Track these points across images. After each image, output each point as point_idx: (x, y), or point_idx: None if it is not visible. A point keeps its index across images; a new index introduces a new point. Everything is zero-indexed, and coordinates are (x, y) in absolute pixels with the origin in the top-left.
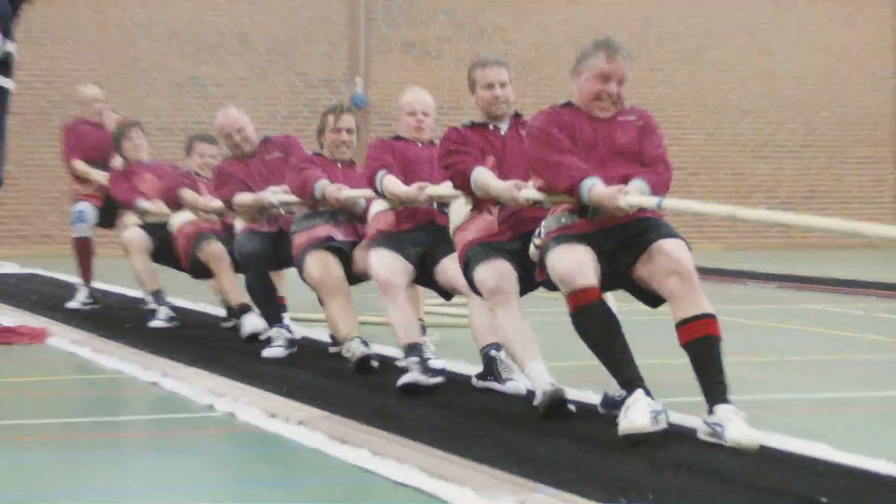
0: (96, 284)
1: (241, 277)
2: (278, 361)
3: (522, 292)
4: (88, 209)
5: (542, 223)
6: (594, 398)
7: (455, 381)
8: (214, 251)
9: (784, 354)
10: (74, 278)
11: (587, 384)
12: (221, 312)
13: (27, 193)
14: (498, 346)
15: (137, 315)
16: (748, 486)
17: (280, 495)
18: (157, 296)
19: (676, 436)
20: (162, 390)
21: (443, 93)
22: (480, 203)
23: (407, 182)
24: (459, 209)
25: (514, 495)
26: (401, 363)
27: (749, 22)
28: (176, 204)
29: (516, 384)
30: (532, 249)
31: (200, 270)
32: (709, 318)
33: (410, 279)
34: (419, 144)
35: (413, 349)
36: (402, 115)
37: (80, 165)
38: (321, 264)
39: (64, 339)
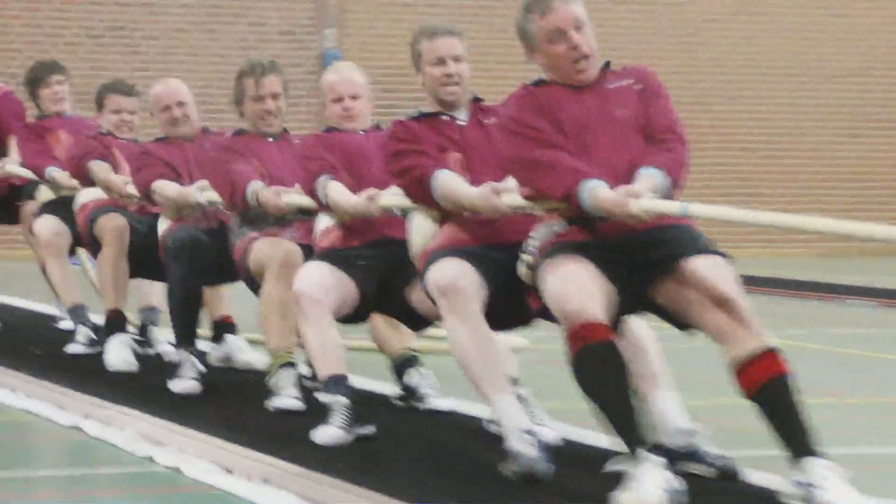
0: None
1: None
2: (232, 398)
3: (509, 326)
4: None
5: (531, 234)
6: (585, 436)
7: (459, 423)
8: (113, 224)
9: (890, 393)
10: None
11: (580, 415)
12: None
13: None
14: (514, 381)
15: (50, 337)
16: None
17: None
18: (76, 312)
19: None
20: (84, 437)
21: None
22: (448, 217)
23: (356, 184)
24: (420, 226)
25: None
26: (323, 399)
27: None
28: (86, 177)
29: (549, 431)
30: (522, 269)
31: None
32: (770, 353)
33: (352, 307)
34: (360, 132)
35: (338, 384)
36: (328, 104)
37: None
38: (272, 241)
39: None
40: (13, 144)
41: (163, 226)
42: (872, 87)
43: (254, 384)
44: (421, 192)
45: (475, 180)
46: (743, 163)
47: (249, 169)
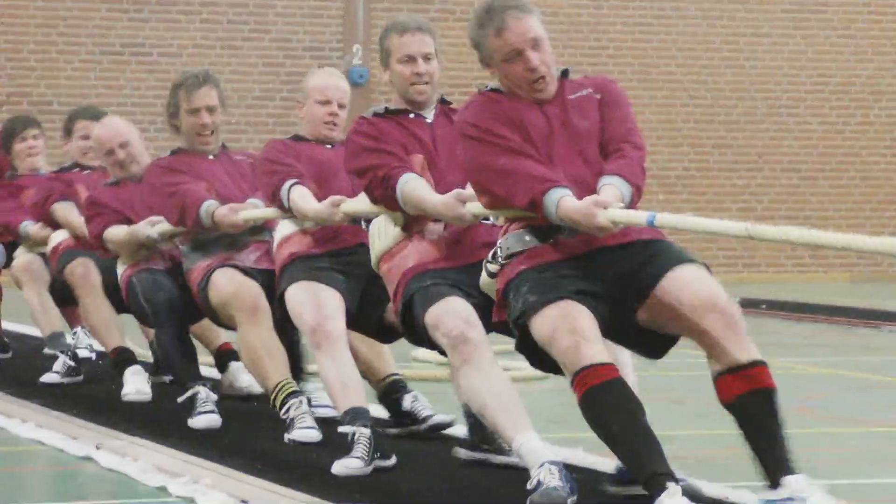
0: (6, 325)
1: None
2: (246, 427)
3: None
4: None
5: (499, 242)
6: (585, 459)
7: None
8: (79, 272)
9: None
10: None
11: (574, 440)
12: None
13: None
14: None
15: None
16: None
17: None
18: (55, 340)
19: None
20: (97, 468)
21: (469, 63)
22: (413, 222)
23: (324, 195)
24: (382, 231)
25: None
26: (343, 430)
27: None
28: (52, 221)
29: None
30: (485, 278)
31: (68, 297)
32: (757, 366)
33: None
34: (329, 146)
35: (358, 416)
36: (310, 104)
37: None
38: (230, 276)
39: None
40: None
41: (120, 269)
42: None
43: (267, 412)
44: (384, 194)
45: (440, 180)
46: (787, 183)
47: (199, 188)
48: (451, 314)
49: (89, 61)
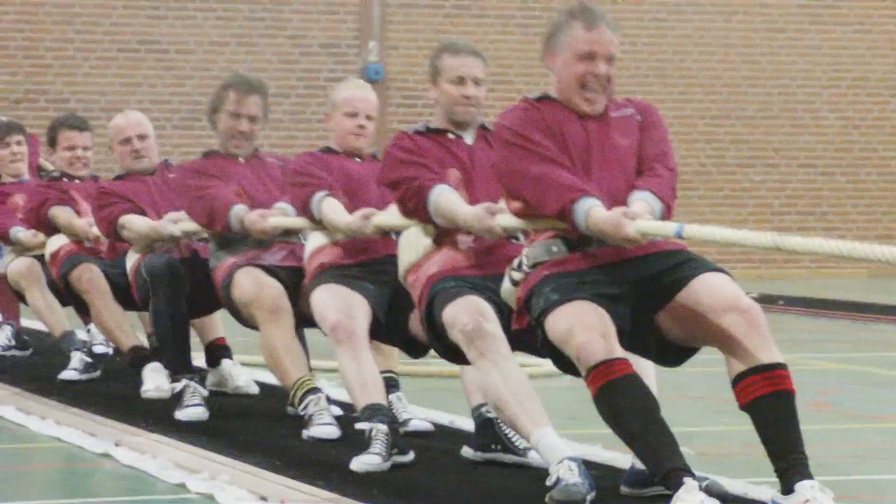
0: (25, 323)
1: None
2: (264, 423)
3: None
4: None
5: (524, 252)
6: (602, 456)
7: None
8: (87, 277)
9: None
10: None
11: (592, 436)
12: None
13: None
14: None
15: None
16: None
17: None
18: (67, 339)
19: None
20: (116, 465)
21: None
22: (443, 235)
23: (354, 207)
24: (412, 242)
25: None
26: (362, 427)
27: None
28: (48, 227)
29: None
30: (507, 285)
31: (65, 300)
32: (783, 371)
33: (369, 323)
34: (358, 160)
35: (376, 412)
36: (338, 116)
37: None
38: (253, 277)
39: None
40: None
41: (130, 261)
42: None
43: (285, 409)
44: (417, 205)
45: (474, 199)
46: (803, 178)
47: (229, 192)
48: (468, 309)
49: (106, 58)
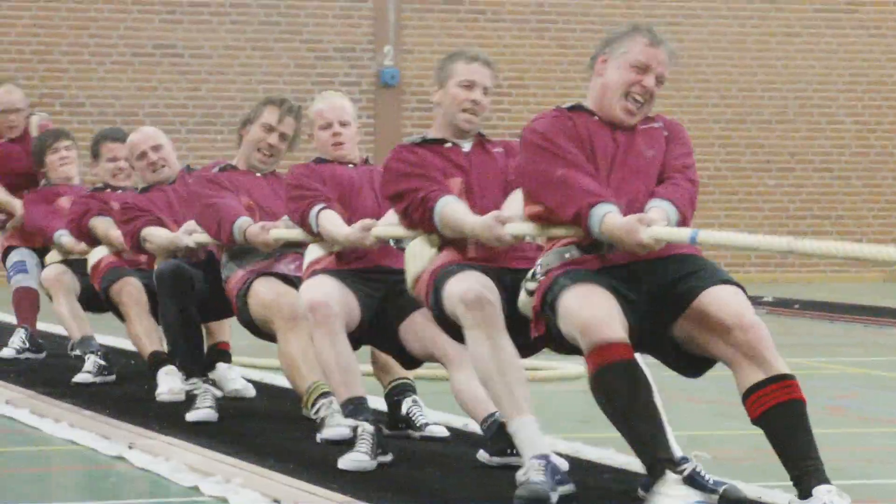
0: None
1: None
2: (278, 427)
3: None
4: (27, 257)
5: (539, 261)
6: (616, 459)
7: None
8: (127, 290)
9: None
10: (10, 318)
11: (605, 440)
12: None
13: None
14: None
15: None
16: None
17: None
18: (85, 343)
19: None
20: (129, 467)
21: (501, 65)
22: (449, 243)
23: (350, 216)
24: (418, 253)
25: None
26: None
27: None
28: (90, 237)
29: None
30: (523, 297)
31: (95, 305)
32: (790, 381)
33: (355, 324)
34: (351, 166)
35: (360, 409)
36: (315, 131)
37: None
38: (272, 287)
39: None
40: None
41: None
42: None
43: (300, 413)
44: (421, 216)
45: (475, 205)
46: (819, 182)
47: (236, 204)
48: (472, 280)
49: (121, 63)
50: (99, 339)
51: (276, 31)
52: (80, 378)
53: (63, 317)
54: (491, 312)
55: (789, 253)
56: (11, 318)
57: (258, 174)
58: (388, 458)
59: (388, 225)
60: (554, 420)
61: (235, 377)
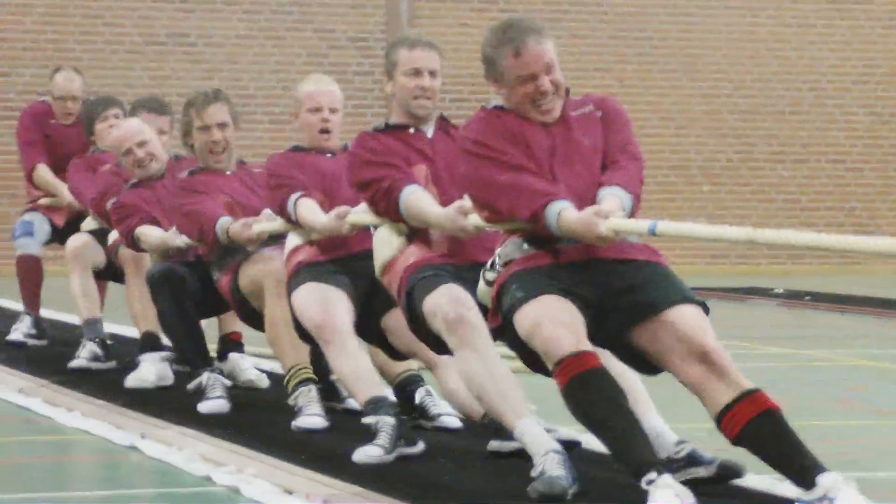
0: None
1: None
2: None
3: None
4: (38, 221)
5: (497, 251)
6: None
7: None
8: (131, 255)
9: None
10: (16, 304)
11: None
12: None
13: None
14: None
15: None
16: None
17: None
18: (91, 326)
19: None
20: (142, 457)
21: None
22: (416, 231)
23: (331, 204)
24: (386, 240)
25: None
26: (367, 421)
27: None
28: (108, 215)
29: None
30: (482, 286)
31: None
32: (751, 395)
33: (353, 317)
34: (329, 155)
35: (381, 405)
36: (302, 113)
37: (45, 174)
38: (258, 261)
39: (4, 386)
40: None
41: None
42: None
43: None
44: (387, 206)
45: (442, 192)
46: (832, 174)
47: (215, 205)
48: (449, 298)
49: (134, 52)
50: (116, 330)
51: (288, 20)
52: (74, 364)
53: (74, 293)
54: (473, 327)
55: (750, 243)
56: (16, 306)
57: (227, 172)
58: (417, 448)
59: (364, 212)
60: (558, 412)
61: (248, 367)
